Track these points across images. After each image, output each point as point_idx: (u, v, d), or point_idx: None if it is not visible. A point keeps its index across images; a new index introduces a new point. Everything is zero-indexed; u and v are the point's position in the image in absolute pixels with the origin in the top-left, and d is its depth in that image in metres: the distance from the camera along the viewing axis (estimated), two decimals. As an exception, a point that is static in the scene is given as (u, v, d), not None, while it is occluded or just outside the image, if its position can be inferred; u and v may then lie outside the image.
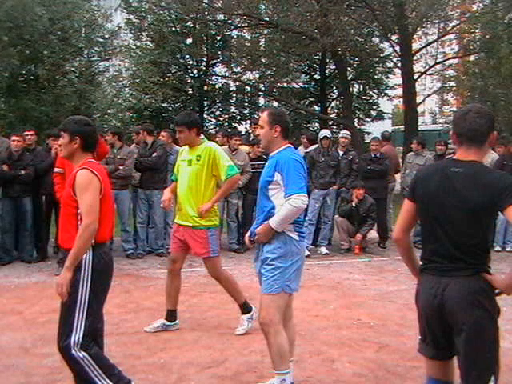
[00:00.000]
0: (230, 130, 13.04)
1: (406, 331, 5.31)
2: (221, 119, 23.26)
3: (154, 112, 19.60)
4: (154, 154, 8.65)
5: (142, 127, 9.42)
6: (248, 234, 4.07)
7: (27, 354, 4.75)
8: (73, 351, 3.41)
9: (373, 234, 9.27)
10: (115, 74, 16.82)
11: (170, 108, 21.45)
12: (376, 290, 6.99)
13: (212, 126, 22.73)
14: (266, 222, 3.84)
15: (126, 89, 17.40)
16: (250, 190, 8.72)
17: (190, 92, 21.84)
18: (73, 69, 15.50)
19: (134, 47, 18.91)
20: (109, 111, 15.85)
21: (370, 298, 6.61)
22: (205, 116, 22.32)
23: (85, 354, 3.42)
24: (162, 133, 9.43)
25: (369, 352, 4.88)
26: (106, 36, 16.13)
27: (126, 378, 3.61)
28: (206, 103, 22.74)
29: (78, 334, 3.41)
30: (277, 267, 3.80)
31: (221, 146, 6.93)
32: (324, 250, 9.14)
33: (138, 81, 17.11)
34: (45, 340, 4.87)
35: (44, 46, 14.27)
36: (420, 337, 3.06)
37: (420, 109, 21.27)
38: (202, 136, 5.37)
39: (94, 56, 16.39)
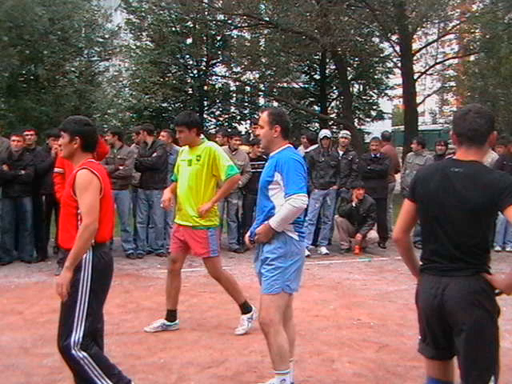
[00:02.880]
0: (229, 130, 13.03)
1: (405, 331, 5.31)
2: (221, 119, 23.27)
3: (154, 112, 19.62)
4: (154, 154, 8.65)
5: (141, 127, 9.42)
6: (248, 233, 4.07)
7: (27, 354, 4.75)
8: (73, 351, 3.41)
9: (373, 234, 9.27)
10: (115, 74, 16.83)
11: (170, 108, 21.46)
12: (376, 289, 6.99)
13: (212, 126, 22.74)
14: (266, 222, 3.84)
15: (126, 89, 17.41)
16: (250, 190, 8.71)
17: (190, 92, 21.84)
18: (73, 69, 15.50)
19: (134, 47, 18.92)
20: (109, 111, 15.85)
21: (370, 298, 6.61)
22: (205, 116, 22.33)
23: (85, 354, 3.42)
24: (162, 133, 9.43)
25: (369, 352, 4.88)
26: (106, 36, 16.13)
27: (126, 378, 3.61)
28: (205, 103, 22.75)
29: (78, 334, 3.41)
30: (277, 267, 3.80)
31: (221, 146, 6.93)
32: (324, 250, 9.14)
33: (138, 81, 17.12)
34: (45, 340, 4.87)
35: (44, 46, 14.28)
36: (420, 337, 3.06)
37: (420, 109, 21.27)
38: (202, 136, 5.37)
39: (94, 56, 16.39)
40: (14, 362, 4.54)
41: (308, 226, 8.71)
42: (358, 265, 8.43)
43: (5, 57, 13.11)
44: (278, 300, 3.81)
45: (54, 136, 7.81)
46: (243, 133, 17.08)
